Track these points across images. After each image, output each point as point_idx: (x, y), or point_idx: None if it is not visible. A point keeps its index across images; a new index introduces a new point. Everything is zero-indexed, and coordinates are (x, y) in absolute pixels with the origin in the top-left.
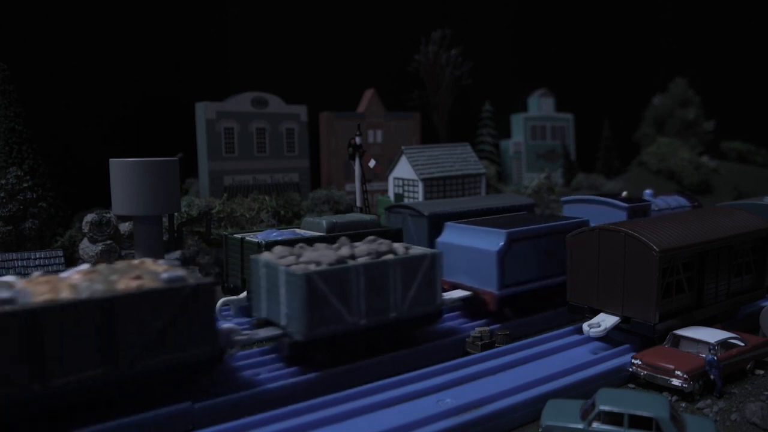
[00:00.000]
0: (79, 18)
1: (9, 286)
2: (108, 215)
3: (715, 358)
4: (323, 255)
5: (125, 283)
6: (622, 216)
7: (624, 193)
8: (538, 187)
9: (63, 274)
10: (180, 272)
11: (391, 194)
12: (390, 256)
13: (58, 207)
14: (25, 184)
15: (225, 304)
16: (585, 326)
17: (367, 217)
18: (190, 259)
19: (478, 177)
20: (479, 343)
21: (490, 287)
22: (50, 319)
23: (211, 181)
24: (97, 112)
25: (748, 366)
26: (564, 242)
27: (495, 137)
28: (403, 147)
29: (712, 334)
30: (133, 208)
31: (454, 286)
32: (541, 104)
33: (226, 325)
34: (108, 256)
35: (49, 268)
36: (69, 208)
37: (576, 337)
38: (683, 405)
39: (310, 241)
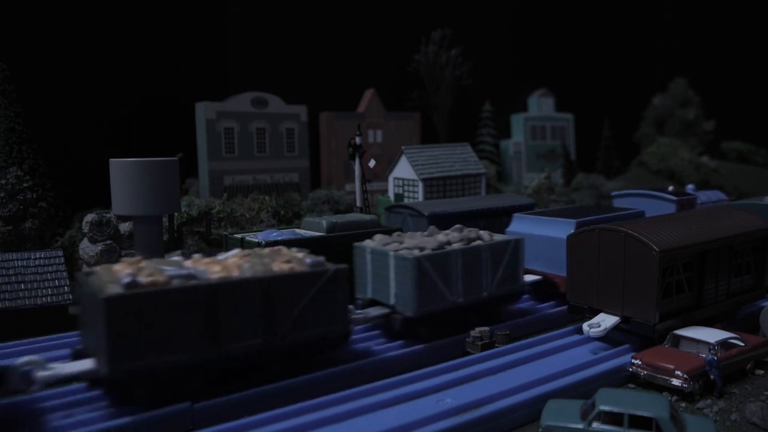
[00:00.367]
0: (79, 18)
1: (181, 265)
2: (108, 215)
3: (715, 358)
4: (425, 241)
5: (279, 266)
6: (671, 208)
7: (671, 188)
8: (538, 187)
9: (219, 257)
10: (320, 258)
11: (391, 194)
12: (479, 242)
13: (58, 207)
14: (25, 184)
15: None
16: (585, 326)
17: (367, 217)
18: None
19: (478, 177)
20: (479, 343)
21: (561, 271)
22: (225, 294)
23: (211, 181)
24: (97, 112)
25: (748, 366)
26: None
27: (495, 137)
28: (403, 147)
29: (712, 334)
30: (133, 208)
31: (525, 272)
32: (541, 104)
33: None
34: (108, 257)
35: (49, 268)
36: (69, 208)
37: (576, 337)
38: (683, 405)
39: (307, 242)
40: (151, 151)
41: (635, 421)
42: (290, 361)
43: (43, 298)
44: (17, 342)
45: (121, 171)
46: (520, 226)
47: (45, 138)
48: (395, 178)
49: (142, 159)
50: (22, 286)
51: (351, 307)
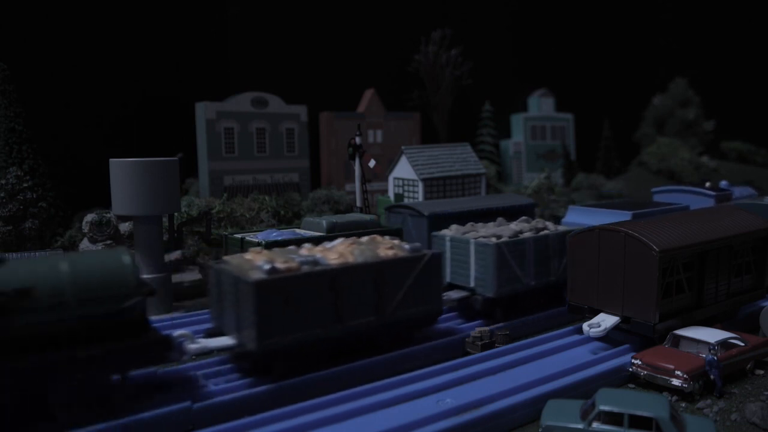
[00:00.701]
0: (79, 18)
1: (301, 252)
2: (108, 215)
3: (715, 358)
4: (501, 230)
5: (384, 252)
6: (710, 202)
7: (707, 184)
8: (538, 187)
9: (328, 245)
10: (418, 243)
11: (391, 194)
12: (547, 231)
13: (58, 207)
14: (25, 184)
15: None
16: (585, 326)
17: (367, 217)
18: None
19: (478, 177)
20: (479, 343)
21: None
22: (345, 277)
23: (211, 181)
24: (97, 112)
25: (748, 366)
26: None
27: (495, 137)
28: (403, 147)
29: (712, 334)
30: (133, 208)
31: None
32: (541, 104)
33: None
34: None
35: None
36: (69, 208)
37: (576, 337)
38: (683, 405)
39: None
40: (151, 151)
41: (635, 421)
42: (394, 336)
43: None
44: None
45: (121, 171)
46: (576, 217)
47: (45, 138)
48: (395, 178)
49: (142, 159)
50: None
51: None
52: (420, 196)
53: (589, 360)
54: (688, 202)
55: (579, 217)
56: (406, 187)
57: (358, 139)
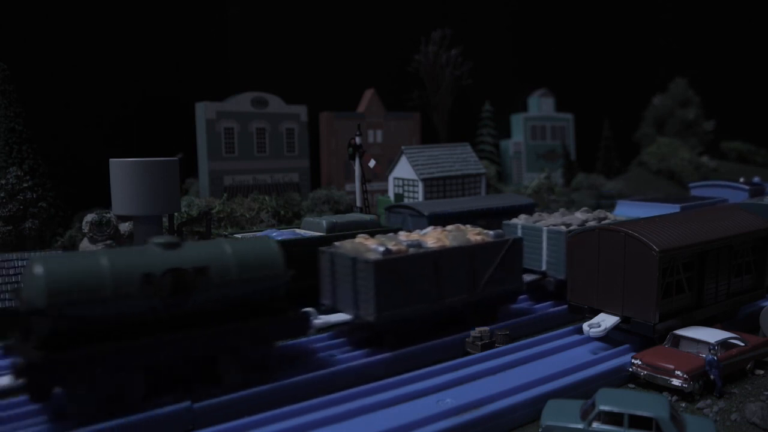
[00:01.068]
0: (79, 18)
1: (401, 238)
2: (108, 215)
3: (715, 358)
4: (570, 219)
5: (473, 237)
6: (744, 196)
7: (741, 179)
8: (538, 187)
9: (422, 231)
10: (500, 230)
11: (391, 194)
12: (608, 220)
13: (58, 207)
14: (25, 184)
15: None
16: (585, 326)
17: (367, 217)
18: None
19: (478, 177)
20: (479, 343)
21: None
22: (444, 258)
23: (211, 181)
24: (97, 112)
25: (748, 366)
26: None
27: (495, 137)
28: (403, 147)
29: (712, 334)
30: (133, 208)
31: None
32: (541, 104)
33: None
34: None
35: None
36: (69, 208)
37: (576, 337)
38: (683, 405)
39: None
40: (151, 151)
41: (635, 421)
42: (482, 312)
43: None
44: None
45: (121, 171)
46: (626, 210)
47: (45, 138)
48: (395, 178)
49: (142, 159)
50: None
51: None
52: (420, 196)
53: (589, 360)
54: (725, 195)
55: (629, 210)
56: (406, 187)
57: (358, 139)
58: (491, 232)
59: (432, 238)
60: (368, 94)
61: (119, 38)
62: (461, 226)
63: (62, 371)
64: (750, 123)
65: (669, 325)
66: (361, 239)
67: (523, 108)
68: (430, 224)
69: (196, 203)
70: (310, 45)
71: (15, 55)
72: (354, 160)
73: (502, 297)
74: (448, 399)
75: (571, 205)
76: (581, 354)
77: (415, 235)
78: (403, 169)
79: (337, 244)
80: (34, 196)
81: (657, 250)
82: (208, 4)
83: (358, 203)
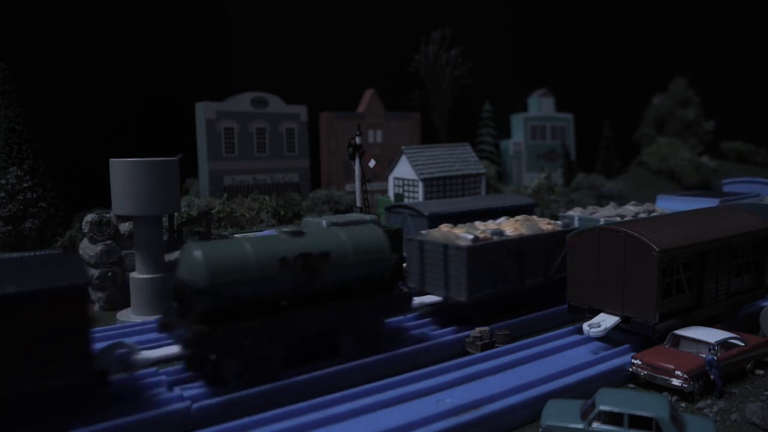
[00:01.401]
0: (79, 18)
1: (476, 228)
2: (108, 215)
3: (715, 358)
4: (623, 211)
5: (545, 226)
6: None
7: None
8: (538, 187)
9: (497, 221)
10: (567, 220)
11: (391, 194)
12: (656, 213)
13: (58, 207)
14: (25, 184)
15: None
16: (585, 326)
17: (367, 217)
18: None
19: (478, 177)
20: (479, 343)
21: None
22: (525, 245)
23: (211, 181)
24: (97, 112)
25: (748, 366)
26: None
27: (495, 137)
28: (403, 147)
29: (712, 334)
30: (133, 208)
31: None
32: (541, 104)
33: None
34: (108, 257)
35: None
36: (69, 208)
37: (576, 337)
38: (683, 405)
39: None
40: (151, 151)
41: (635, 421)
42: (552, 295)
43: None
44: None
45: (121, 171)
46: (666, 203)
47: (45, 138)
48: (395, 178)
49: (142, 159)
50: None
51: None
52: (420, 196)
53: (589, 360)
54: (758, 190)
55: (669, 204)
56: (406, 187)
57: (358, 139)
58: (559, 222)
59: (509, 227)
60: (368, 94)
61: (119, 38)
62: (529, 217)
63: (221, 342)
64: (750, 123)
65: (669, 325)
66: (446, 228)
67: (523, 108)
68: (430, 225)
69: (196, 203)
70: (310, 45)
71: (15, 55)
72: (354, 160)
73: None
74: (448, 399)
75: (571, 205)
76: (581, 354)
77: (492, 225)
78: (403, 169)
79: (423, 232)
80: (34, 196)
81: (657, 250)
82: (208, 4)
83: (358, 203)
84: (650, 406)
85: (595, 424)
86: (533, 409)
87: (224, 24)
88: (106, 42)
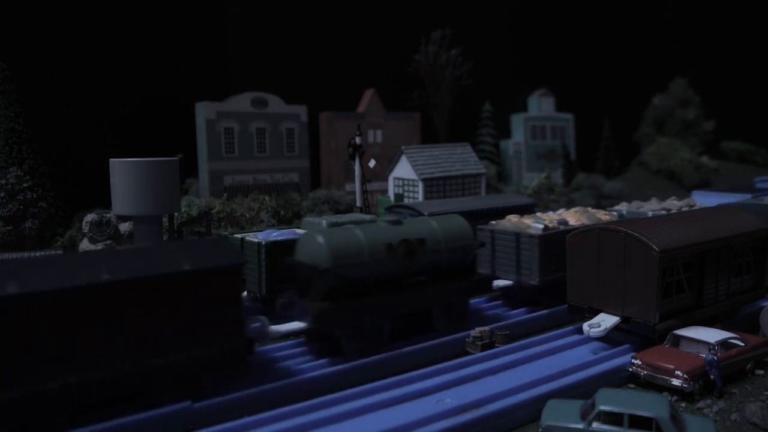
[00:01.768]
0: (79, 18)
1: (542, 218)
2: (108, 215)
3: (715, 358)
4: (668, 204)
5: (603, 217)
6: None
7: None
8: (538, 187)
9: (559, 212)
10: (621, 212)
11: (391, 194)
12: (697, 207)
13: (58, 207)
14: (25, 184)
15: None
16: (585, 326)
17: (367, 217)
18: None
19: (478, 177)
20: (479, 343)
21: None
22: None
23: (211, 181)
24: (97, 112)
25: (748, 366)
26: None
27: (495, 137)
28: (403, 147)
29: (712, 334)
30: (133, 208)
31: None
32: (541, 104)
33: None
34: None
35: None
36: (69, 208)
37: (576, 337)
38: (683, 405)
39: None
40: (151, 151)
41: (635, 421)
42: None
43: None
44: None
45: (121, 171)
46: (701, 198)
47: (45, 138)
48: (395, 178)
49: (142, 159)
50: None
51: None
52: (420, 196)
53: (589, 360)
54: None
55: (704, 199)
56: (406, 187)
57: (358, 139)
58: (614, 213)
59: (572, 217)
60: (368, 94)
61: (119, 38)
62: (588, 209)
63: (342, 318)
64: (750, 123)
65: (669, 325)
66: (514, 218)
67: (523, 108)
68: None
69: (196, 203)
70: (310, 45)
71: (15, 55)
72: (354, 160)
73: None
74: (448, 399)
75: (571, 206)
76: (581, 354)
77: (554, 215)
78: (403, 169)
79: (493, 222)
80: (34, 196)
81: (657, 250)
82: (208, 4)
83: (358, 203)
84: (650, 406)
85: (595, 424)
86: (533, 409)
87: (224, 24)
88: (106, 42)
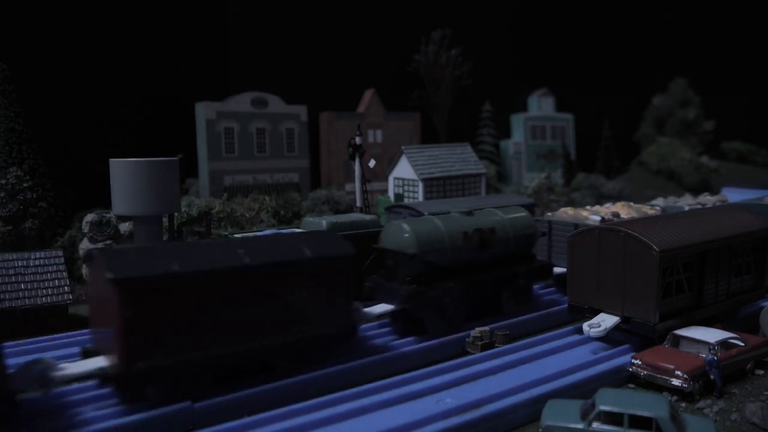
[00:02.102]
0: (79, 18)
1: (589, 210)
2: (108, 215)
3: (715, 358)
4: (703, 200)
5: (649, 211)
6: None
7: None
8: (538, 187)
9: (604, 206)
10: (665, 206)
11: (391, 194)
12: (727, 202)
13: (58, 207)
14: (25, 184)
15: None
16: (585, 326)
17: (367, 217)
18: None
19: (478, 177)
20: (479, 343)
21: None
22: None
23: (211, 181)
24: (97, 112)
25: (748, 366)
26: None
27: (495, 137)
28: (403, 147)
29: (712, 334)
30: (133, 208)
31: None
32: (541, 104)
33: None
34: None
35: (49, 268)
36: (69, 208)
37: (576, 337)
38: (683, 405)
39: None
40: (151, 151)
41: (635, 421)
42: None
43: (43, 299)
44: (19, 342)
45: (121, 171)
46: (732, 195)
47: (45, 138)
48: (395, 178)
49: (142, 159)
50: (22, 287)
51: None
52: (420, 196)
53: (589, 360)
54: None
55: (734, 195)
56: (406, 187)
57: (358, 139)
58: (658, 207)
59: (622, 210)
60: (368, 94)
61: (119, 38)
62: (632, 204)
63: (427, 299)
64: (750, 123)
65: (669, 325)
66: (569, 209)
67: (523, 108)
68: None
69: (196, 203)
70: (310, 45)
71: (15, 55)
72: (354, 160)
73: None
74: (448, 399)
75: (571, 205)
76: (581, 354)
77: (604, 209)
78: (403, 169)
79: (549, 213)
80: (34, 196)
81: (657, 250)
82: (208, 4)
83: (358, 203)
84: (650, 406)
85: (595, 424)
86: (533, 409)
87: (224, 24)
88: (106, 42)
